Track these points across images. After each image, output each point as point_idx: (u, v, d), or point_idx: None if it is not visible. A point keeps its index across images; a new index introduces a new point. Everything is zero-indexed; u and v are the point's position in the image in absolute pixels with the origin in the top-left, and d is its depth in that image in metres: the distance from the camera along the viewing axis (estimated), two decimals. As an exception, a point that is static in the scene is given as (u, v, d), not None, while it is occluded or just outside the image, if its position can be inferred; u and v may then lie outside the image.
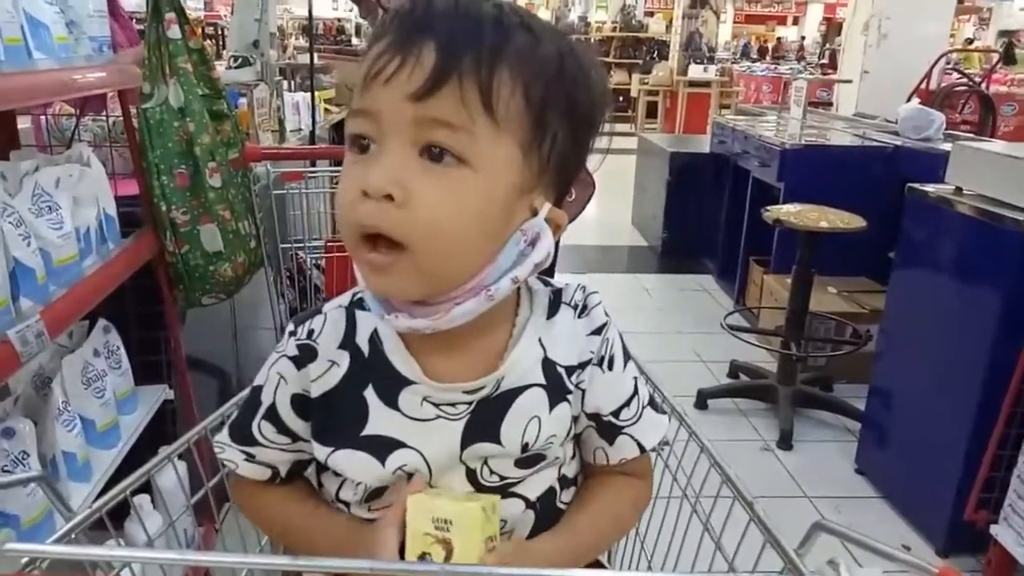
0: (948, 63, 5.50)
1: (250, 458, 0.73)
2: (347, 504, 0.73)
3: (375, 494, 0.70)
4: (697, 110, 9.73)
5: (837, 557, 0.53)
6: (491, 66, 0.58)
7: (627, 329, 0.73)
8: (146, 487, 0.92)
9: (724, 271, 4.34)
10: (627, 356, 0.75)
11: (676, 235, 4.84)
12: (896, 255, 2.41)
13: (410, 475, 0.68)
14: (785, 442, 2.66)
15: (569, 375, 0.71)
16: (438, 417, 0.67)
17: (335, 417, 0.69)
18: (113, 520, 0.80)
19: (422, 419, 0.68)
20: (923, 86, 4.66)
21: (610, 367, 0.72)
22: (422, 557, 0.61)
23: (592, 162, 0.71)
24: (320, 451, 0.70)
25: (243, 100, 2.83)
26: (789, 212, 2.81)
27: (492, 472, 0.69)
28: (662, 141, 5.34)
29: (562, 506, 0.75)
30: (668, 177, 4.73)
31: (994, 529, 1.90)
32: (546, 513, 0.73)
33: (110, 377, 1.56)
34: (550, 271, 2.11)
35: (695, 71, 9.96)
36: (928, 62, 4.61)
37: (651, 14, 13.81)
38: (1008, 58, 5.81)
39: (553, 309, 0.72)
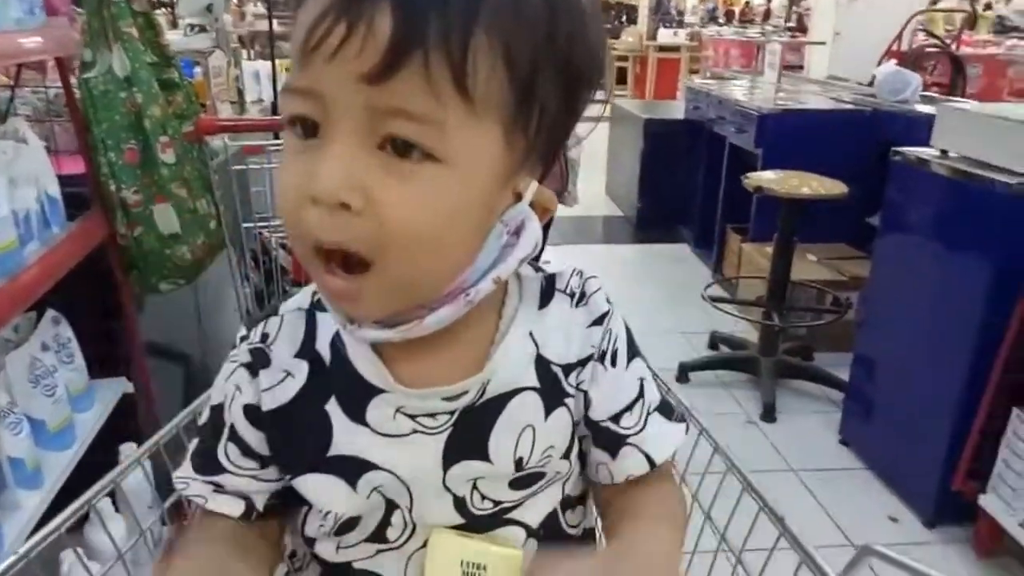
0: (920, 24, 5.46)
1: (219, 489, 0.62)
2: (312, 541, 0.63)
3: (344, 527, 0.60)
4: (667, 76, 9.63)
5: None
6: (465, 33, 0.45)
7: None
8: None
9: (701, 240, 4.29)
10: (632, 351, 0.64)
11: (651, 204, 4.76)
12: (880, 221, 2.37)
13: (389, 501, 0.59)
14: (769, 415, 2.62)
15: (566, 374, 0.61)
16: (414, 432, 0.57)
17: (294, 437, 0.59)
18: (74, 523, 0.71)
19: (395, 435, 0.57)
20: (894, 47, 4.62)
21: (612, 363, 0.62)
22: None
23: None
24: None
25: (198, 70, 2.68)
26: (770, 179, 2.75)
27: (484, 498, 0.59)
28: (635, 108, 5.24)
29: (570, 530, 0.66)
30: (642, 145, 4.64)
31: (982, 499, 1.89)
32: (552, 540, 0.63)
33: (61, 372, 1.45)
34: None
35: (664, 36, 9.85)
36: (900, 23, 4.57)
37: (619, -23, 13.61)
38: (973, 21, 5.81)
39: (546, 298, 0.62)
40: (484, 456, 0.58)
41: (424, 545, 0.59)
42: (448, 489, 0.59)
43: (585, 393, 0.62)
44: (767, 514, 0.64)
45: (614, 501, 0.64)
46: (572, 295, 0.63)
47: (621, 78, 10.67)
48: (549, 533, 0.63)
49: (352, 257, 0.48)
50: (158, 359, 1.88)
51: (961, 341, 1.95)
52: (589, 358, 0.62)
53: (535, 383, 0.60)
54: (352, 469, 0.58)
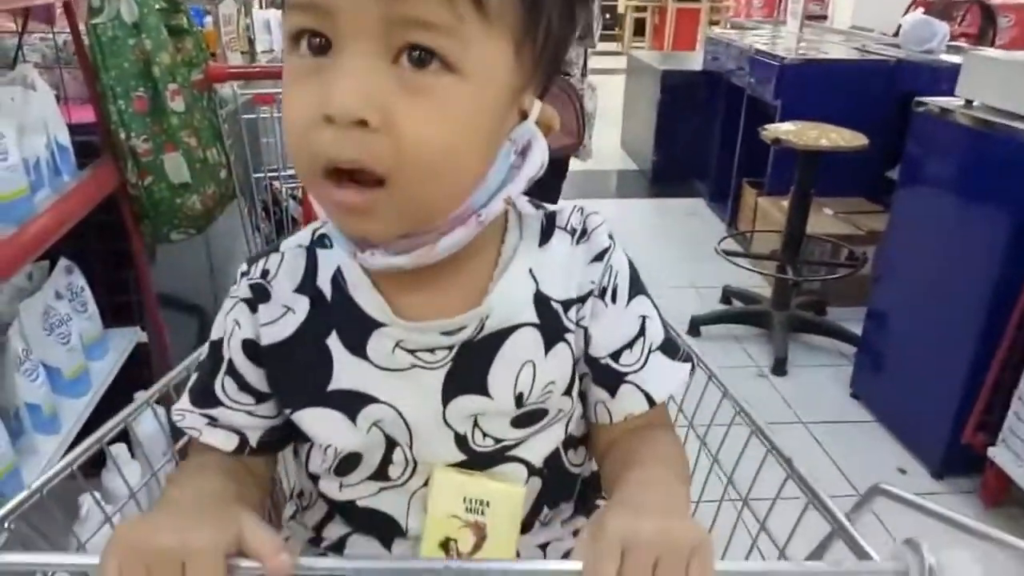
0: (948, -29, 5.28)
1: (213, 422, 0.63)
2: (316, 479, 0.64)
3: (346, 465, 0.61)
4: (686, 26, 9.39)
5: (918, 537, 0.45)
6: None
7: (617, 255, 0.62)
8: (123, 434, 0.84)
9: (716, 194, 4.23)
10: (636, 289, 0.63)
11: (667, 158, 4.69)
12: (900, 174, 2.32)
13: (389, 437, 0.59)
14: (780, 368, 2.62)
15: (566, 310, 0.60)
16: (413, 366, 0.58)
17: (294, 371, 0.60)
18: (89, 468, 0.72)
19: (395, 368, 0.58)
20: (922, -5, 4.48)
21: (613, 300, 0.62)
22: (445, 545, 0.53)
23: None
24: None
25: (208, 19, 2.63)
26: (788, 131, 2.69)
27: (485, 435, 0.60)
28: (653, 59, 5.12)
29: (573, 468, 0.66)
30: (659, 97, 4.55)
31: (991, 451, 1.89)
32: (555, 478, 0.64)
33: (75, 321, 1.46)
34: (554, 200, 1.99)
35: (684, -16, 9.57)
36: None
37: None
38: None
39: (546, 235, 0.62)
40: (484, 391, 0.58)
41: (426, 483, 0.60)
42: (448, 425, 0.59)
43: (585, 329, 0.61)
44: (774, 455, 0.64)
45: (611, 452, 0.64)
46: (573, 232, 0.62)
47: (639, 29, 10.41)
48: (552, 472, 0.63)
49: (365, 175, 0.48)
50: (170, 310, 1.90)
51: (978, 295, 1.93)
52: (589, 294, 0.61)
53: (535, 319, 0.59)
54: (352, 403, 0.58)
